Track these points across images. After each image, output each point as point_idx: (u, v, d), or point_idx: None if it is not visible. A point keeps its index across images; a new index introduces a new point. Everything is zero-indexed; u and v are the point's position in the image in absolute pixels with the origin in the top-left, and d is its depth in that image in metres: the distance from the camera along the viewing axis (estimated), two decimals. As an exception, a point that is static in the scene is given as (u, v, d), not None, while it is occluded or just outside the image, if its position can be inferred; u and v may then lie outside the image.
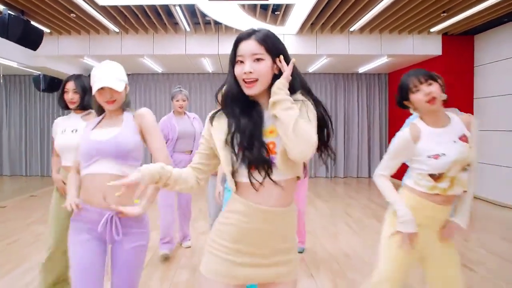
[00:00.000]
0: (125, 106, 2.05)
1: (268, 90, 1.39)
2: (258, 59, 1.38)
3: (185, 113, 4.27)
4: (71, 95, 2.78)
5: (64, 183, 2.78)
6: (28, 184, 9.63)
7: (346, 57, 8.26)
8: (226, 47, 7.75)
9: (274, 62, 1.39)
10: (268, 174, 1.34)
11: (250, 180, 1.35)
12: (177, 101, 4.13)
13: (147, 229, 2.01)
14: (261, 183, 1.35)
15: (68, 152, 2.72)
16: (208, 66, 9.45)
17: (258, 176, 1.35)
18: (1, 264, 3.97)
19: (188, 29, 7.26)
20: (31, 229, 5.36)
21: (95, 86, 1.90)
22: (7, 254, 4.31)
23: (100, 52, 7.80)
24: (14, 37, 5.68)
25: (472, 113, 7.61)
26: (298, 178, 1.44)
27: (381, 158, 10.05)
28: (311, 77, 10.70)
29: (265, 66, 1.37)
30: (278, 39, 1.44)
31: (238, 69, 1.40)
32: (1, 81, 10.08)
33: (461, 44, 7.73)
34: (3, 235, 5.05)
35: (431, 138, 2.02)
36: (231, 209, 1.43)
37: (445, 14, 6.33)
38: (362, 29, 7.41)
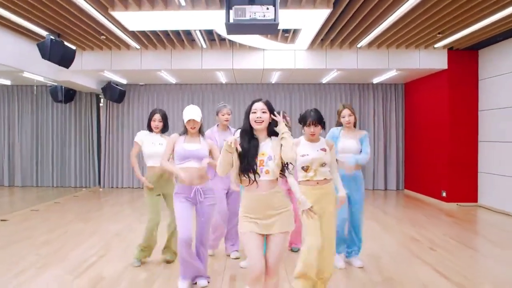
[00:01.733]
0: (201, 132, 4.32)
1: (265, 130, 3.31)
2: (263, 112, 3.30)
3: (228, 127, 5.73)
4: (157, 123, 5.19)
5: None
6: (46, 193, 11.67)
7: (355, 71, 10.08)
8: (239, 62, 9.68)
9: (270, 115, 3.30)
10: (255, 177, 3.21)
11: (249, 179, 3.24)
12: (223, 115, 5.42)
13: (215, 195, 4.49)
14: (254, 181, 3.22)
15: (156, 157, 5.09)
16: (222, 78, 11.34)
17: (251, 176, 3.24)
18: (62, 246, 6.00)
19: (204, 45, 9.20)
20: (72, 226, 7.44)
21: (186, 118, 4.22)
22: (64, 239, 6.35)
23: (120, 66, 9.81)
24: (54, 59, 7.73)
25: (477, 125, 9.50)
26: (276, 179, 3.32)
27: (397, 169, 11.98)
28: (325, 87, 12.54)
29: (267, 116, 3.30)
30: (271, 104, 3.40)
31: (252, 116, 3.30)
32: (35, 92, 12.26)
33: (466, 58, 9.57)
34: (51, 229, 7.10)
35: (304, 146, 4.18)
36: (243, 195, 3.35)
37: (440, 35, 8.23)
38: (370, 45, 9.23)
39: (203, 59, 9.73)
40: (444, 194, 9.91)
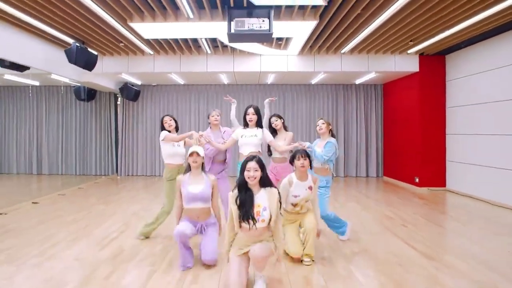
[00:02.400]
0: (203, 169, 4.39)
1: (257, 183, 3.59)
2: (256, 170, 3.59)
3: (219, 127, 5.61)
4: (169, 122, 5.40)
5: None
6: (70, 180, 11.84)
7: (340, 73, 10.23)
8: (239, 66, 9.81)
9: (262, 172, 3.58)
10: (254, 223, 3.51)
11: (249, 225, 3.52)
12: (212, 116, 5.50)
13: (217, 222, 4.58)
14: (250, 227, 3.52)
15: (175, 157, 5.35)
16: (224, 79, 11.46)
17: (251, 223, 3.53)
18: (88, 224, 6.22)
19: (209, 51, 9.34)
20: (95, 207, 7.63)
21: (190, 150, 4.32)
22: (89, 218, 6.56)
23: (136, 70, 9.95)
24: (80, 63, 7.89)
25: (445, 120, 9.65)
26: (269, 223, 3.60)
27: (377, 159, 12.14)
28: (314, 88, 12.64)
29: (259, 173, 3.57)
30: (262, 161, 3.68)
31: (247, 173, 3.57)
32: (62, 92, 12.39)
33: (435, 62, 9.75)
34: (77, 210, 7.30)
35: (296, 187, 4.46)
36: (239, 235, 3.63)
37: (412, 43, 8.41)
38: (352, 50, 9.35)
39: (208, 63, 9.85)
40: (417, 180, 10.06)
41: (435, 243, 5.31)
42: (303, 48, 9.10)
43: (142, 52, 9.56)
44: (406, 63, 9.78)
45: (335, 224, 5.38)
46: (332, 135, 5.25)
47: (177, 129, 5.60)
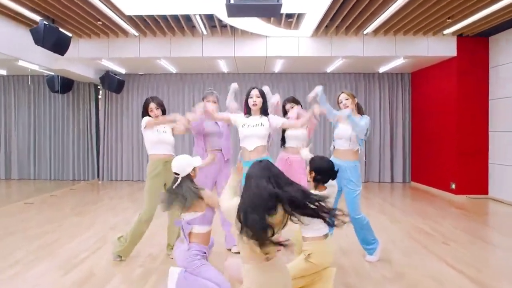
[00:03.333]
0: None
1: None
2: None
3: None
4: (156, 111, 4.97)
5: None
6: (43, 186, 11.46)
7: (362, 59, 9.81)
8: (241, 49, 9.43)
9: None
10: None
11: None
12: (208, 101, 5.18)
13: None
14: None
15: (161, 145, 4.94)
16: (223, 67, 11.10)
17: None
18: (56, 239, 5.75)
19: (205, 32, 8.94)
20: (68, 219, 7.18)
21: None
22: (59, 232, 6.10)
23: (118, 54, 9.56)
24: (48, 45, 7.45)
25: (487, 114, 9.26)
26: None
27: (404, 161, 11.75)
28: (330, 77, 12.28)
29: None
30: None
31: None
32: (29, 82, 12.03)
33: (476, 46, 9.31)
34: (45, 222, 6.85)
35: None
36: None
37: (450, 20, 7.93)
38: (376, 31, 8.97)
39: (203, 47, 9.48)
40: (453, 186, 9.65)
41: (486, 265, 4.84)
42: (318, 28, 8.72)
43: (125, 33, 9.19)
44: (442, 47, 9.37)
45: (366, 237, 4.90)
46: (360, 112, 4.89)
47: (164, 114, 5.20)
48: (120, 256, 4.89)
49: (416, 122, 11.92)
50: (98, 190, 10.89)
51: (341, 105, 4.91)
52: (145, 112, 5.07)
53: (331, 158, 4.70)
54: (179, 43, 9.49)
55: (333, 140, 4.93)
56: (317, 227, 3.43)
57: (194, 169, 3.76)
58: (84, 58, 9.73)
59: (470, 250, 5.40)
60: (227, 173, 5.22)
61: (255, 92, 4.58)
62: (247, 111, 4.66)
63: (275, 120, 4.64)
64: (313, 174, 3.71)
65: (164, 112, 5.10)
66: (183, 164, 3.71)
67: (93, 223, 6.93)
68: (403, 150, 12.21)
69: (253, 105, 4.57)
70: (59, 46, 7.75)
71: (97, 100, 12.77)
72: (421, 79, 11.52)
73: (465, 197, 9.42)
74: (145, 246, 5.39)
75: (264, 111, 4.64)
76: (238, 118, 4.68)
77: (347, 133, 4.76)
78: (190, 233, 3.67)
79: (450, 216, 7.55)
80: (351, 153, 4.77)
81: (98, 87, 12.52)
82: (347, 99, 4.84)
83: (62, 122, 12.80)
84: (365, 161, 12.17)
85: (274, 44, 9.45)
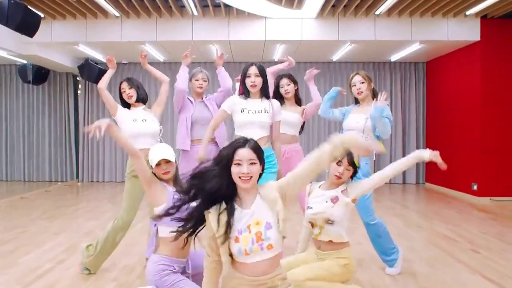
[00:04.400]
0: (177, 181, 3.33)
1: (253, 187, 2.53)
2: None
3: (203, 96, 4.95)
4: (128, 90, 4.45)
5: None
6: (16, 188, 11.01)
7: (373, 43, 9.37)
8: (237, 33, 8.97)
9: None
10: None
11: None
12: (197, 80, 4.80)
13: None
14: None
15: (142, 137, 4.33)
16: (217, 54, 10.47)
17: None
18: (17, 247, 5.23)
19: (195, 13, 8.47)
20: (35, 225, 6.66)
21: (155, 159, 3.18)
22: (21, 240, 5.62)
23: (97, 38, 9.09)
24: (13, 24, 6.88)
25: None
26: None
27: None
28: (336, 66, 11.91)
29: (258, 166, 2.47)
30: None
31: (238, 169, 2.41)
32: None
33: (502, 28, 8.88)
34: (8, 228, 6.35)
35: (315, 194, 3.34)
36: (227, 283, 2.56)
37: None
38: (389, 12, 8.54)
39: (194, 29, 9.01)
40: (475, 188, 9.18)
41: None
42: (324, 8, 8.33)
43: (105, 14, 8.73)
44: (464, 30, 8.92)
45: (384, 246, 4.36)
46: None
47: (144, 101, 4.66)
48: (89, 269, 4.33)
49: (431, 116, 11.53)
50: (76, 192, 10.47)
51: (353, 88, 4.40)
52: (120, 95, 4.58)
53: None
54: (166, 25, 9.03)
55: (341, 132, 4.38)
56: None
57: None
58: (59, 43, 9.27)
59: (506, 260, 4.89)
60: None
61: (253, 70, 3.94)
62: (244, 92, 4.06)
63: (278, 111, 4.12)
64: (352, 170, 3.27)
65: (139, 93, 4.57)
66: (170, 149, 3.30)
67: (64, 229, 6.41)
68: (416, 147, 11.69)
69: (251, 86, 3.96)
70: (27, 26, 7.18)
71: (76, 92, 12.38)
72: (437, 69, 11.14)
73: (489, 199, 8.98)
74: (122, 256, 4.88)
75: (265, 93, 4.07)
76: (234, 101, 4.07)
77: (360, 124, 4.23)
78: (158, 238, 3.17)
79: (475, 220, 7.11)
80: None
81: (78, 78, 12.13)
82: (362, 83, 4.32)
83: (37, 117, 12.35)
84: (374, 160, 11.73)
85: (274, 27, 9.02)
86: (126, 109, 4.52)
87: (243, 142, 2.47)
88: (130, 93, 4.46)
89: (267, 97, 4.06)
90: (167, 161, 3.20)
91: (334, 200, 3.22)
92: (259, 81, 3.94)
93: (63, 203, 8.67)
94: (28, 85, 11.65)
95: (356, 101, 4.58)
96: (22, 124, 12.33)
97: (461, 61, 9.82)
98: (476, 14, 8.64)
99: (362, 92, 4.29)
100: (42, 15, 8.24)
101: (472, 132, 9.34)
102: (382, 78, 12.02)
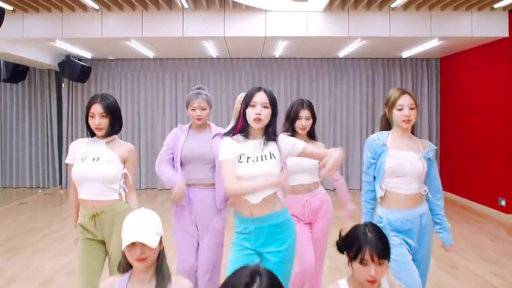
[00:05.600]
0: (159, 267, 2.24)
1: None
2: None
3: (209, 125, 3.81)
4: (99, 120, 3.08)
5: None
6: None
7: (386, 40, 8.62)
8: (234, 28, 8.16)
9: None
10: None
11: None
12: (193, 109, 3.65)
13: None
14: None
15: (86, 183, 3.07)
16: (212, 50, 9.91)
17: None
18: None
19: (186, 5, 7.62)
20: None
21: (126, 240, 2.11)
22: None
23: (75, 34, 8.22)
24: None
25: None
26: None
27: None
28: (341, 64, 11.22)
29: None
30: None
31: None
32: None
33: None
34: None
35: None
36: None
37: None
38: (406, 5, 7.73)
39: (184, 24, 8.16)
40: (502, 203, 8.26)
41: None
42: (332, 0, 7.59)
43: (83, 7, 7.85)
44: (490, 25, 8.07)
45: None
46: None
47: (116, 131, 3.28)
48: None
49: (446, 119, 10.74)
50: (57, 203, 9.64)
51: (398, 113, 3.03)
52: (86, 118, 3.22)
53: (380, 212, 3.06)
54: (153, 19, 8.18)
55: (378, 180, 3.12)
56: None
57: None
58: (32, 39, 8.40)
59: None
60: (218, 232, 3.63)
61: (261, 99, 2.75)
62: (243, 128, 2.84)
63: (286, 142, 2.86)
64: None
65: (115, 130, 3.24)
66: (153, 223, 2.22)
67: (20, 272, 5.23)
68: (429, 152, 10.91)
69: (255, 119, 2.74)
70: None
71: (59, 91, 11.52)
72: (454, 66, 10.36)
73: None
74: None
75: (271, 131, 2.84)
76: (230, 149, 2.79)
77: (418, 167, 3.01)
78: None
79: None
80: (420, 198, 3.05)
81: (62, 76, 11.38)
82: (412, 108, 3.06)
83: (16, 118, 11.56)
84: None
85: (276, 21, 8.27)
86: (83, 141, 3.30)
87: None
88: (100, 125, 3.12)
89: (274, 134, 2.86)
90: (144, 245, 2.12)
91: None
92: (266, 114, 2.74)
93: (34, 224, 7.63)
94: (2, 82, 10.81)
95: (384, 127, 3.37)
96: (-2, 125, 11.62)
97: (483, 59, 9.03)
98: (504, 7, 7.83)
99: (410, 121, 3.07)
100: (11, 7, 7.46)
101: (498, 139, 8.50)
102: (391, 75, 11.32)
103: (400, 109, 3.03)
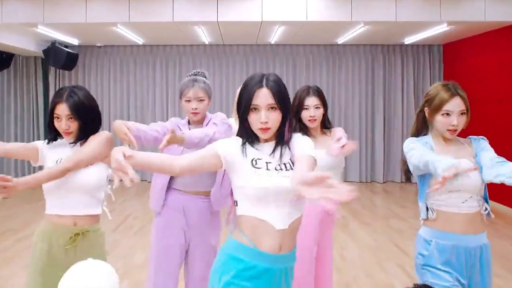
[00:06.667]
0: None
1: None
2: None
3: (206, 116, 3.19)
4: (65, 123, 2.49)
5: None
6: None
7: (390, 25, 8.20)
8: (228, 12, 7.71)
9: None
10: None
11: None
12: (188, 100, 3.03)
13: None
14: None
15: (71, 193, 2.51)
16: (204, 36, 9.61)
17: None
18: None
19: (176, -13, 7.18)
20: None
21: None
22: None
23: (58, 19, 7.77)
24: None
25: None
26: None
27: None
28: (340, 50, 10.99)
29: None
30: None
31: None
32: None
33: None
34: None
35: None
36: None
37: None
38: None
39: (175, 8, 7.68)
40: None
41: None
42: None
43: None
44: (504, 8, 7.57)
45: None
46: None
47: (90, 134, 2.63)
48: None
49: None
50: (37, 200, 8.71)
51: (442, 120, 2.44)
52: (50, 118, 2.58)
53: (425, 234, 2.46)
54: (140, 3, 7.69)
55: (423, 197, 2.47)
56: None
57: None
58: (13, 24, 7.95)
59: None
60: (212, 236, 3.05)
61: (264, 99, 1.96)
62: (248, 136, 2.07)
63: (302, 144, 2.05)
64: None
65: (87, 134, 2.60)
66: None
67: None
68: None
69: (261, 129, 1.98)
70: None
71: (45, 79, 11.16)
72: (458, 53, 9.99)
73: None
74: None
75: (282, 132, 2.07)
76: (233, 149, 2.04)
77: (477, 182, 2.39)
78: None
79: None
80: (480, 220, 2.46)
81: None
82: (463, 113, 2.44)
83: (1, 107, 11.25)
84: (384, 160, 10.93)
85: (273, 5, 7.78)
86: (51, 144, 2.62)
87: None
88: (68, 129, 2.51)
89: (283, 137, 2.09)
90: None
91: None
92: (274, 118, 1.98)
93: (10, 225, 6.95)
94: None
95: (421, 127, 2.71)
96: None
97: (493, 45, 8.64)
98: (519, -11, 7.35)
99: (457, 130, 2.44)
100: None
101: (508, 133, 8.15)
102: (392, 62, 11.00)
103: (446, 115, 2.42)
